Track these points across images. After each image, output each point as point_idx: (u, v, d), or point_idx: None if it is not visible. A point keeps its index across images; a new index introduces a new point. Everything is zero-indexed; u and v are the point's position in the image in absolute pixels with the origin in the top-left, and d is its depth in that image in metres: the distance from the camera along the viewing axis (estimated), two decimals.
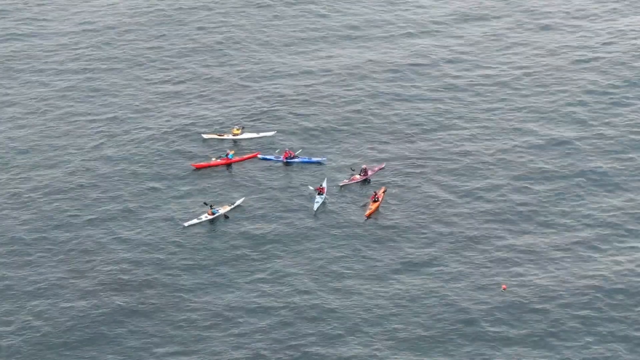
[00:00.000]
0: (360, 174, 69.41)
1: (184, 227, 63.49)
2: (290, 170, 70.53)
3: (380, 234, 63.66)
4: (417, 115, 77.86)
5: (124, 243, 62.21)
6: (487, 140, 75.02)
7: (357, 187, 68.77)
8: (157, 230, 63.44)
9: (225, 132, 74.03)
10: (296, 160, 71.24)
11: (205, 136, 73.83)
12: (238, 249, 61.74)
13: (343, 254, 61.52)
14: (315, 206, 65.79)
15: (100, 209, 65.82)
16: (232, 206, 65.46)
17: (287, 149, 71.85)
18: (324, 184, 67.51)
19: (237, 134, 73.52)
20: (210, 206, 64.68)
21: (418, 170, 70.83)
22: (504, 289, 58.90)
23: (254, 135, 73.86)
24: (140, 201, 66.50)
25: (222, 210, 64.93)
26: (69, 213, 65.47)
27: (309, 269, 59.92)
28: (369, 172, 69.66)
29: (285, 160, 71.12)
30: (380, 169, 70.49)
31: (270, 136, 73.85)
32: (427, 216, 65.62)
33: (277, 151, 70.99)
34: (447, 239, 63.30)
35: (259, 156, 71.82)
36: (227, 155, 70.73)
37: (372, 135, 75.25)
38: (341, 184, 68.91)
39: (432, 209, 66.38)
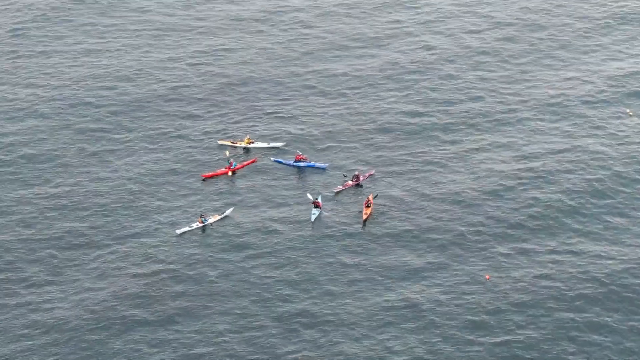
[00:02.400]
0: (352, 180, 70.92)
1: (177, 234, 66.29)
2: (291, 179, 72.23)
3: (376, 240, 65.03)
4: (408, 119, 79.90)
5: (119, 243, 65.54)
6: (475, 141, 76.36)
7: (351, 193, 70.17)
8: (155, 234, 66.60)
9: (238, 140, 77.24)
10: (302, 163, 73.54)
11: (220, 142, 76.98)
12: (227, 255, 63.84)
13: (339, 261, 63.07)
14: (312, 217, 67.34)
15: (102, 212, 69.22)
16: (222, 216, 67.63)
17: (298, 152, 74.48)
18: (319, 199, 68.95)
19: (249, 143, 76.67)
20: (201, 215, 67.35)
21: (407, 174, 72.33)
22: (488, 279, 60.75)
23: (265, 145, 76.43)
24: (145, 208, 69.42)
25: (212, 219, 67.29)
26: (73, 212, 69.16)
27: (302, 277, 61.72)
28: (361, 178, 70.94)
29: (295, 164, 73.72)
30: (371, 175, 71.81)
31: (279, 147, 76.17)
32: (419, 218, 67.19)
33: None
34: (441, 240, 64.75)
35: (272, 159, 74.83)
36: (230, 164, 73.77)
37: (363, 141, 77.13)
38: (335, 190, 70.39)
39: (423, 211, 67.95)
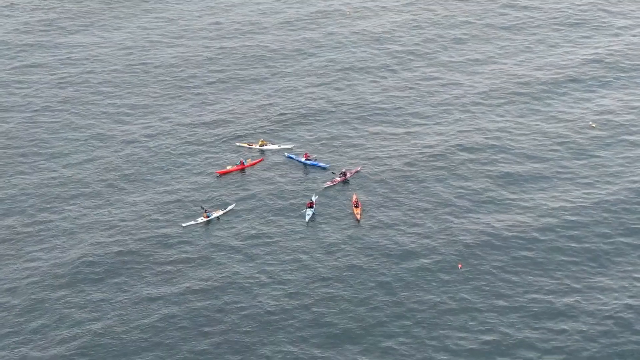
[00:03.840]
0: (339, 176, 78.82)
1: (183, 227, 74.41)
2: (295, 179, 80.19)
3: (369, 237, 72.31)
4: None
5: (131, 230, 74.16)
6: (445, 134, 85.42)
7: (339, 192, 77.80)
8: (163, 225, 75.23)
9: (254, 142, 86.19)
10: (308, 162, 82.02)
11: (238, 144, 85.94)
12: (227, 249, 71.67)
13: (333, 257, 70.22)
14: (307, 217, 74.42)
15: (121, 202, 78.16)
16: (224, 211, 75.72)
17: (306, 152, 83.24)
18: (314, 199, 76.04)
19: (263, 145, 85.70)
20: (205, 210, 75.33)
21: (388, 169, 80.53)
22: (460, 267, 67.58)
23: (275, 146, 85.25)
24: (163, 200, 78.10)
25: (215, 213, 75.46)
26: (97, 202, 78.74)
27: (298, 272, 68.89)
28: (348, 174, 78.75)
29: (304, 161, 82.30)
30: (357, 172, 79.53)
31: (288, 148, 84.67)
32: (403, 213, 74.80)
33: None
34: (423, 234, 72.00)
35: (286, 154, 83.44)
36: (241, 162, 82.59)
37: (346, 139, 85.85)
38: (325, 186, 78.28)
39: (406, 206, 75.65)
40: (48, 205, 78.71)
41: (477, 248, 69.79)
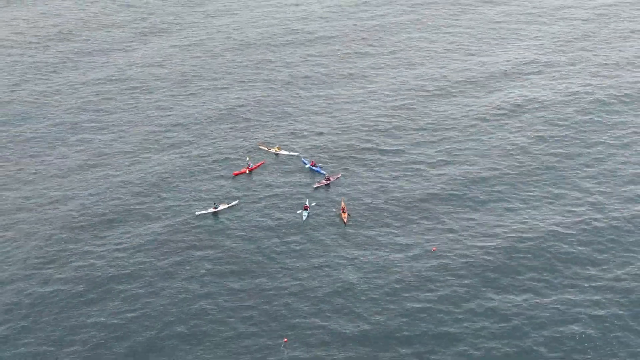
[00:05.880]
0: (325, 180, 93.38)
1: (196, 215, 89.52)
2: (295, 181, 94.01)
3: (352, 234, 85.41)
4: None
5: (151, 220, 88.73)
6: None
7: (330, 198, 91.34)
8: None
9: (271, 147, 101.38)
10: (313, 168, 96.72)
11: (260, 146, 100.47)
12: (228, 240, 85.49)
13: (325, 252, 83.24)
14: (304, 217, 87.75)
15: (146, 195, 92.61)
16: (228, 205, 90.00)
17: (312, 160, 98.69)
18: (307, 203, 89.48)
19: (278, 150, 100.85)
20: (214, 203, 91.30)
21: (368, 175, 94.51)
22: (434, 250, 79.47)
23: (286, 152, 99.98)
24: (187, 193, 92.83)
25: (222, 206, 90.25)
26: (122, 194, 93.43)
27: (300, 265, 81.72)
28: (331, 179, 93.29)
29: (311, 167, 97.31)
30: (338, 178, 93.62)
31: (296, 155, 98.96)
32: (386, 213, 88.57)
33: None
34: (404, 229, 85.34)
35: (302, 159, 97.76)
36: (248, 164, 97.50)
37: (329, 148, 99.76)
38: (314, 186, 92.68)
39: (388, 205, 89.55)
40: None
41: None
